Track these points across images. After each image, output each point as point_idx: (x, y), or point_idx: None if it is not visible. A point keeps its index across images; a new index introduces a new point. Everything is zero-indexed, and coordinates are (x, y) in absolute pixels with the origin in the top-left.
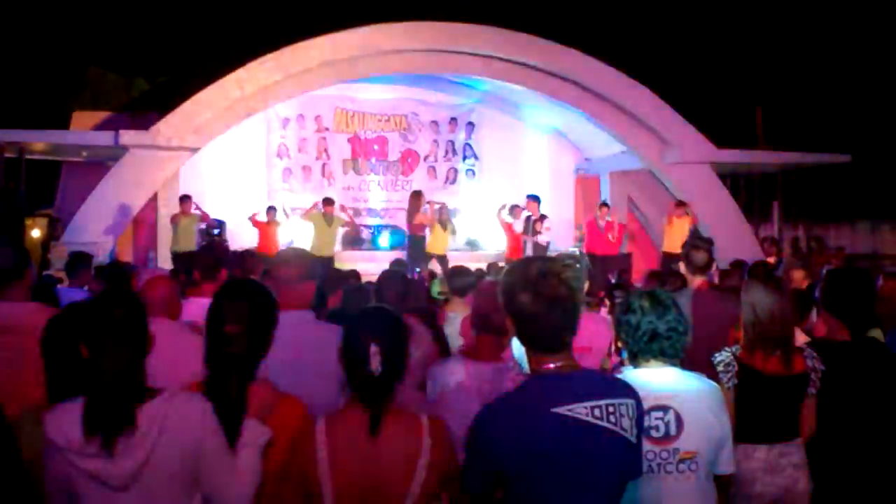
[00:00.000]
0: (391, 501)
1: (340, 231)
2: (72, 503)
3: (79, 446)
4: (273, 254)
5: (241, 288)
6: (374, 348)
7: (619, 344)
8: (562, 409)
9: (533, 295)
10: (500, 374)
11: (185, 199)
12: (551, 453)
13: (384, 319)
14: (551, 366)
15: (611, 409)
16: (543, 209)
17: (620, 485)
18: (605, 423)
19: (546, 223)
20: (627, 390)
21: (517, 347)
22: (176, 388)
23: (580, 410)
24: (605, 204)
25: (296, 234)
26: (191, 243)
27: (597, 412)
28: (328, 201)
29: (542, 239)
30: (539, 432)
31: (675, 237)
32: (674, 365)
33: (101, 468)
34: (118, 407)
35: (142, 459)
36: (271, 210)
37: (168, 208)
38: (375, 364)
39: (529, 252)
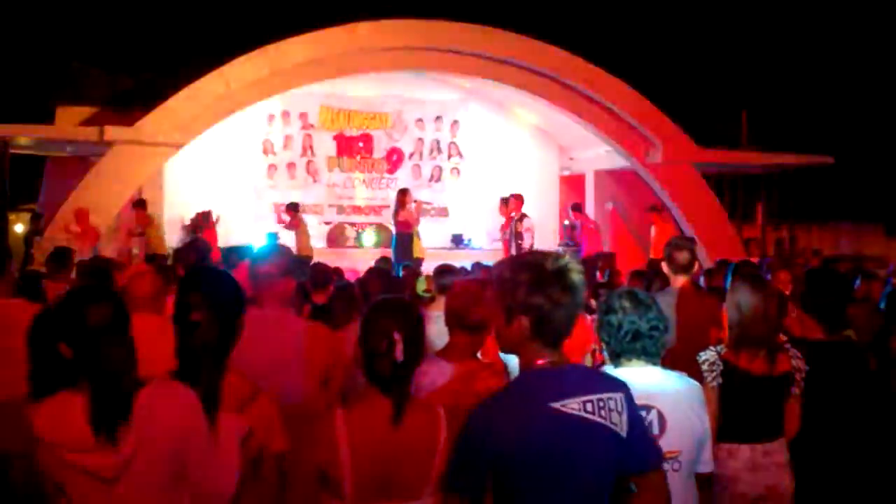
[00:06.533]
0: (410, 490)
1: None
2: (62, 498)
3: (68, 441)
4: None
5: (202, 275)
6: (397, 336)
7: (601, 344)
8: (555, 405)
9: (550, 292)
10: (473, 374)
11: (139, 205)
12: (545, 449)
13: (404, 309)
14: (544, 361)
15: (601, 403)
16: (528, 208)
17: (613, 479)
18: (596, 418)
19: (527, 223)
20: (616, 384)
21: None
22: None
23: (573, 405)
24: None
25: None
26: (161, 245)
27: (588, 407)
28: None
29: (524, 242)
30: (534, 428)
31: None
32: (655, 364)
33: (92, 461)
34: (124, 400)
35: (132, 450)
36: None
37: (153, 206)
38: (399, 352)
39: (513, 252)
